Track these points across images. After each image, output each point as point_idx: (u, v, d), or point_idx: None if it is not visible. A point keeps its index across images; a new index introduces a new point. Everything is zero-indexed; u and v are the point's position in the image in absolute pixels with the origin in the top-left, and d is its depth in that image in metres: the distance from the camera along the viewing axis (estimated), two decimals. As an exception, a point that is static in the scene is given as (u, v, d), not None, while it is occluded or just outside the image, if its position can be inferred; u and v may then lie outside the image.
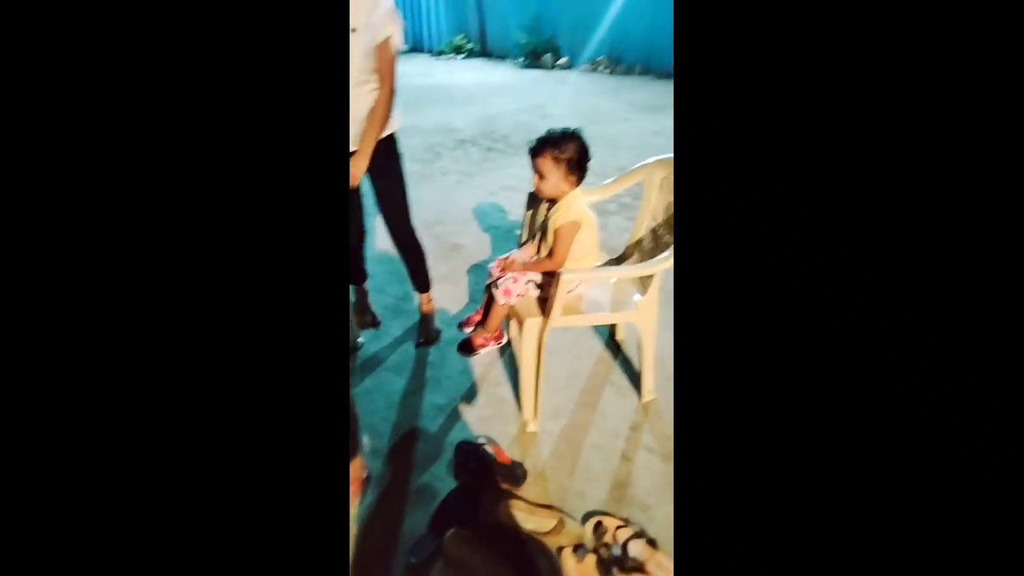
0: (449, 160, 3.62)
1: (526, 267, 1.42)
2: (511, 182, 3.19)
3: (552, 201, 1.40)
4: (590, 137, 1.38)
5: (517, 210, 2.73)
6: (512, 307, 1.41)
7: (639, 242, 1.55)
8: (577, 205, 1.36)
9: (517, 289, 1.39)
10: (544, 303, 1.36)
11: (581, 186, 1.38)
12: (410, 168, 3.40)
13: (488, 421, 1.46)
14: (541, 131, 1.37)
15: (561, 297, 1.29)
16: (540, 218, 1.52)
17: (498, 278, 1.42)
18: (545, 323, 1.32)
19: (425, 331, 1.79)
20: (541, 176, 1.36)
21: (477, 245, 2.45)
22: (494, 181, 3.24)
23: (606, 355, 1.71)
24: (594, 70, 6.84)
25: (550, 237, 1.39)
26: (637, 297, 1.40)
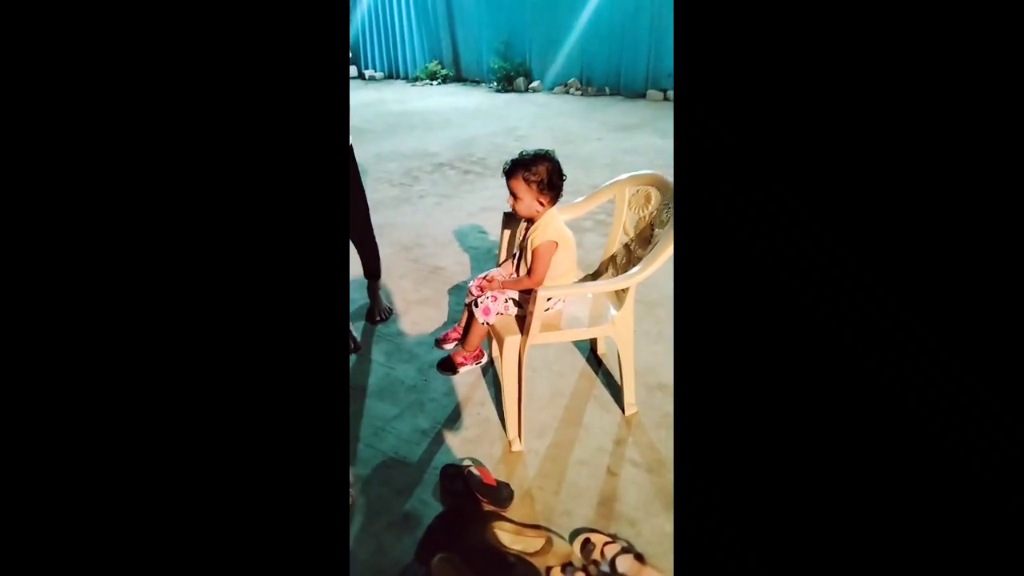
0: (427, 183, 3.65)
1: (505, 285, 1.43)
2: (489, 203, 3.23)
3: (529, 221, 1.43)
4: (564, 157, 1.41)
5: (496, 230, 2.76)
6: (492, 326, 1.42)
7: (613, 257, 1.59)
8: (555, 225, 1.39)
9: (496, 308, 1.40)
10: (523, 321, 1.37)
11: (555, 205, 1.41)
12: (389, 192, 3.44)
13: (473, 442, 1.45)
14: (516, 152, 1.40)
15: (539, 314, 1.30)
16: (519, 237, 1.54)
17: (477, 297, 1.43)
18: (524, 340, 1.33)
19: (376, 309, 2.03)
20: (516, 197, 1.38)
21: (457, 267, 2.46)
22: (472, 202, 3.27)
23: (588, 371, 1.72)
24: (565, 92, 7.02)
25: (529, 256, 1.41)
26: (613, 311, 1.43)
